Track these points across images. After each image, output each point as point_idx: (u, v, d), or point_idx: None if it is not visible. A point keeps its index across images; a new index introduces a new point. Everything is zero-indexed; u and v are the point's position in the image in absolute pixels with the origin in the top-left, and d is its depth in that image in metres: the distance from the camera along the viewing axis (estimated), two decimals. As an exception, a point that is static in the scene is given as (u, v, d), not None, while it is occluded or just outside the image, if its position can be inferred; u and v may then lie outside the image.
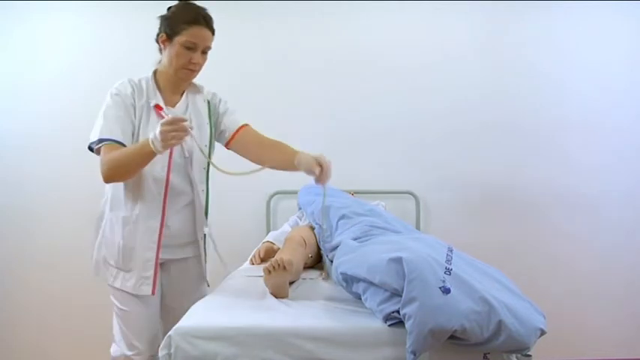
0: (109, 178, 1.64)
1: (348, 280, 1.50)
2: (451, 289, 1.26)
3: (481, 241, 3.01)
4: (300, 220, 2.54)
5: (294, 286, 1.71)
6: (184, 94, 1.82)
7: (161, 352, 1.27)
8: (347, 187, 2.83)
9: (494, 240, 3.05)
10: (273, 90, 3.01)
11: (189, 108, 1.81)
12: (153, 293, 1.71)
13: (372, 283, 1.40)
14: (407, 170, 3.08)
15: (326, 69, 3.07)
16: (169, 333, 1.28)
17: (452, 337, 1.22)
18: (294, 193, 2.75)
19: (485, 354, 1.26)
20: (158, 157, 1.60)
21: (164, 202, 1.73)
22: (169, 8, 1.77)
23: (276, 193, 3.03)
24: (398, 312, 1.28)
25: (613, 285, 3.07)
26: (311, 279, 1.85)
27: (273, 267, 1.55)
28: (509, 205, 3.08)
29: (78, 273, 2.94)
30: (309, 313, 1.40)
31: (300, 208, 2.61)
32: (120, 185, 1.72)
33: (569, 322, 3.02)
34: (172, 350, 1.26)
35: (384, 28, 3.09)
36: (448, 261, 1.41)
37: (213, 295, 1.62)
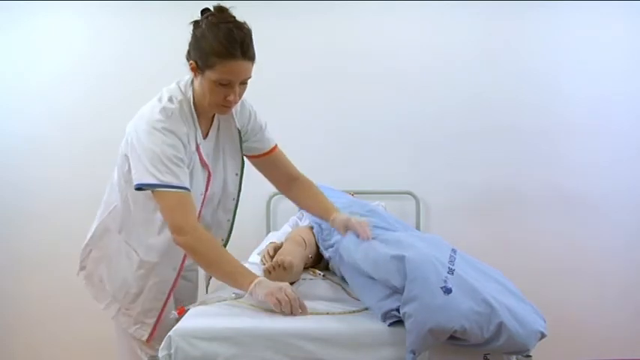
0: (185, 248, 1.46)
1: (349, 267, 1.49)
2: (452, 289, 1.26)
3: (481, 241, 3.01)
4: (300, 220, 2.54)
5: (294, 286, 1.70)
6: (214, 117, 1.65)
7: (161, 353, 1.27)
8: (347, 187, 2.83)
9: (494, 241, 3.05)
10: (272, 90, 3.01)
11: (223, 133, 1.66)
12: (148, 341, 1.60)
13: (372, 278, 1.40)
14: (407, 170, 3.08)
15: (326, 70, 3.07)
16: (169, 333, 1.28)
17: (452, 337, 1.22)
18: (294, 193, 2.74)
19: (485, 354, 1.26)
20: (195, 196, 1.51)
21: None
22: (198, 22, 1.48)
23: (276, 194, 3.03)
24: (397, 310, 1.28)
25: (613, 286, 3.07)
26: (311, 279, 1.85)
27: (274, 268, 1.55)
28: (508, 206, 3.08)
29: (76, 274, 2.94)
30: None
31: (300, 209, 2.60)
32: (138, 218, 1.58)
33: (569, 323, 3.02)
34: (172, 351, 1.26)
35: (385, 30, 3.09)
36: (451, 262, 1.41)
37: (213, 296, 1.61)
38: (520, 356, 1.28)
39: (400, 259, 1.33)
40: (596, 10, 3.06)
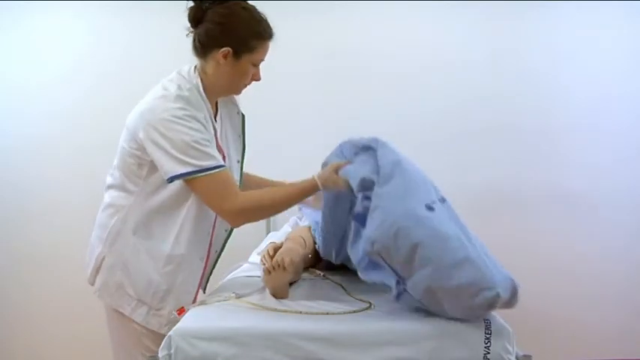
0: (249, 222, 1.50)
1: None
2: (436, 211, 1.29)
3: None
4: (300, 220, 2.54)
5: (294, 286, 1.71)
6: (217, 104, 1.67)
7: (161, 353, 1.27)
8: (347, 187, 2.83)
9: (494, 240, 3.01)
10: (272, 90, 3.01)
11: (224, 120, 1.68)
12: None
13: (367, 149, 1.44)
14: (407, 170, 3.07)
15: (326, 70, 3.07)
16: (169, 333, 1.29)
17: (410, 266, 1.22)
18: (294, 193, 2.74)
19: (485, 354, 1.26)
20: None
21: (210, 239, 1.63)
22: (204, 11, 1.50)
23: (276, 193, 3.03)
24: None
25: (613, 285, 3.07)
26: (311, 279, 1.85)
27: (273, 267, 1.55)
28: (508, 206, 3.08)
29: (76, 274, 2.94)
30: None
31: (300, 209, 2.60)
32: (156, 213, 1.54)
33: (569, 323, 3.02)
34: (172, 351, 1.26)
35: (385, 30, 3.09)
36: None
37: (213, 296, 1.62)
38: (520, 355, 1.28)
39: (399, 162, 1.41)
40: (596, 10, 3.05)
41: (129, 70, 3.01)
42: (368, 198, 1.34)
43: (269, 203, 1.52)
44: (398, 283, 1.31)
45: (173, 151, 1.42)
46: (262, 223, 3.02)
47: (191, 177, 1.44)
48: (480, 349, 1.26)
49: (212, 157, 1.46)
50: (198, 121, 1.47)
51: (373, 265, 1.35)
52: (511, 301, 1.29)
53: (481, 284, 1.21)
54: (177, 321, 1.49)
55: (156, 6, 2.96)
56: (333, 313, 1.39)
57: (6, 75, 3.08)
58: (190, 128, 1.44)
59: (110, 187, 1.62)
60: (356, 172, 1.42)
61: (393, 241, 1.23)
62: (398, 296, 1.32)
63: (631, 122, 3.08)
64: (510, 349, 1.27)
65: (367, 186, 1.36)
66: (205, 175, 1.44)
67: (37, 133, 3.06)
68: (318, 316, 1.37)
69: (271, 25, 1.58)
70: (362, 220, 1.34)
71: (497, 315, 1.35)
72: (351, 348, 1.27)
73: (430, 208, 1.28)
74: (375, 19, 3.08)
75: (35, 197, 3.06)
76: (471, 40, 3.09)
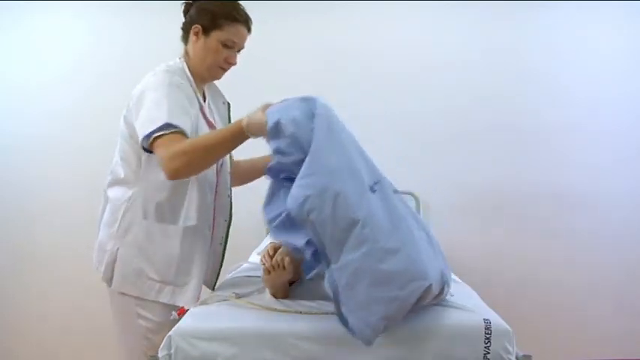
0: (182, 170, 1.45)
1: None
2: (376, 192, 1.26)
3: (481, 241, 3.01)
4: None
5: (294, 286, 1.71)
6: (204, 92, 1.73)
7: (161, 353, 1.27)
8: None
9: (494, 240, 3.05)
10: (272, 90, 3.01)
11: (212, 110, 1.73)
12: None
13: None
14: (407, 170, 3.07)
15: (326, 70, 3.07)
16: (169, 333, 1.29)
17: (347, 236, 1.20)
18: (294, 193, 2.75)
19: (485, 354, 1.26)
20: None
21: (214, 210, 1.68)
22: (201, 2, 1.63)
23: (276, 193, 3.03)
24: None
25: (613, 286, 3.07)
26: (311, 279, 1.85)
27: (273, 267, 1.55)
28: (508, 206, 3.08)
29: (76, 274, 2.94)
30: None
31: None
32: (163, 194, 1.58)
33: (569, 323, 3.02)
34: (172, 351, 1.27)
35: (385, 30, 3.09)
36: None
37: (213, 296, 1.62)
38: (520, 355, 1.28)
39: (339, 135, 1.38)
40: (596, 10, 3.06)
41: (129, 70, 2.98)
42: (280, 152, 1.26)
43: (201, 143, 1.46)
44: (307, 243, 1.25)
45: (151, 106, 1.47)
46: (262, 223, 3.02)
47: (158, 133, 1.43)
48: (480, 349, 1.26)
49: (182, 119, 1.46)
50: (181, 90, 1.53)
51: (287, 226, 1.29)
52: (439, 295, 1.29)
53: (413, 274, 1.19)
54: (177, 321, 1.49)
55: (156, 6, 2.96)
56: (333, 313, 1.39)
57: (6, 75, 3.08)
58: (170, 90, 1.50)
59: (111, 184, 1.66)
60: (278, 111, 1.31)
61: (332, 210, 1.18)
62: (310, 259, 1.28)
63: (631, 122, 3.08)
64: (510, 349, 1.27)
65: (276, 133, 1.26)
66: (169, 132, 1.43)
67: (37, 133, 3.06)
68: (318, 316, 1.37)
69: (255, 22, 1.66)
70: (276, 174, 1.29)
71: (498, 315, 1.35)
72: (351, 348, 1.27)
73: (372, 189, 1.27)
74: (375, 19, 3.08)
75: (35, 197, 3.06)
76: (471, 40, 3.09)
